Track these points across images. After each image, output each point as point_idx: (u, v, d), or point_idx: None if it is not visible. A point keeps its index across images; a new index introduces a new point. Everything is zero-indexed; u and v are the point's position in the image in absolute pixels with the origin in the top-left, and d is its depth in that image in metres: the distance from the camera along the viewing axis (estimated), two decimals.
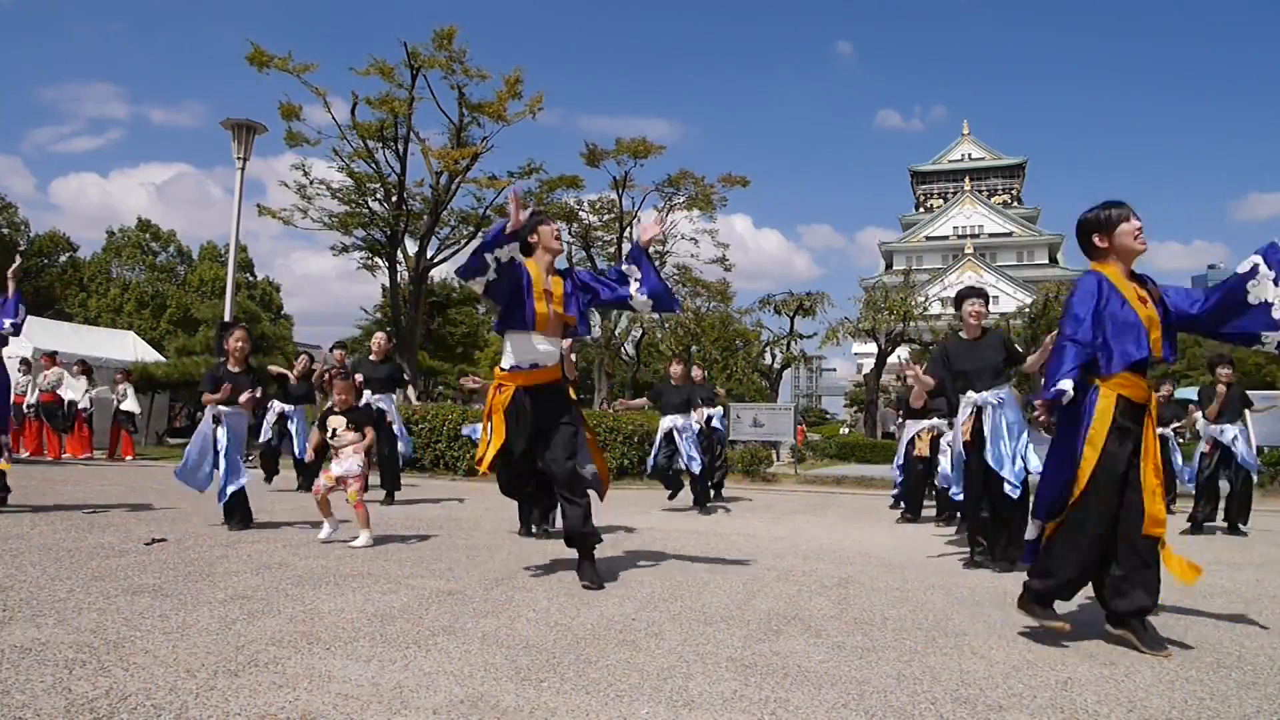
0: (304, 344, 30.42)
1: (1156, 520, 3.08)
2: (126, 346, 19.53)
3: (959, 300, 5.33)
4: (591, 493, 4.19)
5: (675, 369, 8.62)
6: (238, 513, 5.51)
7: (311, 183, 21.71)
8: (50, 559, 4.08)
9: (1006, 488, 4.76)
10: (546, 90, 28.51)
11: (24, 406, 12.43)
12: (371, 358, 8.29)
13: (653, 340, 31.76)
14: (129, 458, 13.48)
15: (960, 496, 5.38)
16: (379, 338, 8.52)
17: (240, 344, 5.73)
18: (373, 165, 21.27)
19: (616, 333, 28.44)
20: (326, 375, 6.18)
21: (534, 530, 5.83)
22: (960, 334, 5.30)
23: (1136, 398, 3.15)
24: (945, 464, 6.10)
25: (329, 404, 5.33)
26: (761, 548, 5.61)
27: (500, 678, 2.48)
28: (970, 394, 5.07)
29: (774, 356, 31.62)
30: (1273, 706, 2.48)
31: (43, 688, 2.22)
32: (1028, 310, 29.63)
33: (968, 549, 5.22)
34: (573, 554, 4.19)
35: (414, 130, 21.19)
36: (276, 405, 9.13)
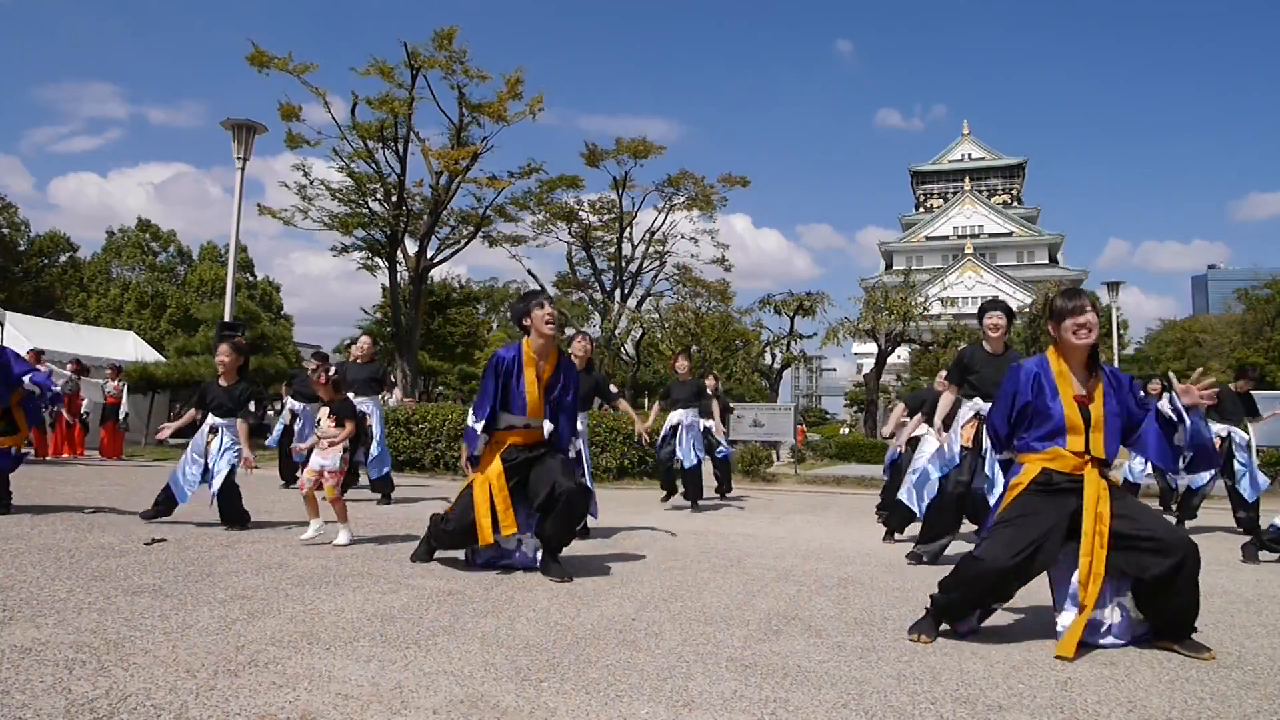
0: (304, 344, 30.42)
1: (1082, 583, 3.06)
2: (126, 346, 19.54)
3: (981, 312, 5.37)
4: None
5: (681, 364, 8.84)
6: (227, 515, 5.56)
7: (311, 183, 21.72)
8: (50, 559, 4.08)
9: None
10: (546, 90, 28.56)
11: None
12: (357, 360, 8.46)
13: (653, 340, 31.75)
14: (117, 458, 13.44)
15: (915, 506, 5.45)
16: (364, 341, 8.65)
17: (224, 358, 5.72)
18: (373, 165, 21.27)
19: (616, 333, 28.43)
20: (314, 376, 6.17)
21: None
22: (984, 345, 5.31)
23: (1063, 468, 3.15)
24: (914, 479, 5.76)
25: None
26: (761, 548, 5.61)
27: (500, 678, 2.48)
28: (977, 400, 5.11)
29: (774, 356, 31.61)
30: (1273, 706, 2.48)
31: (43, 688, 2.22)
32: (1028, 310, 29.64)
33: (929, 542, 5.27)
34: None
35: (414, 130, 21.20)
36: (291, 404, 9.03)
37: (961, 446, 5.12)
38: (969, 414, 5.14)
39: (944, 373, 6.51)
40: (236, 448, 5.56)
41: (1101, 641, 3.13)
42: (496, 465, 4.22)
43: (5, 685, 2.23)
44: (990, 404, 5.07)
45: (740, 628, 3.21)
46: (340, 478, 5.09)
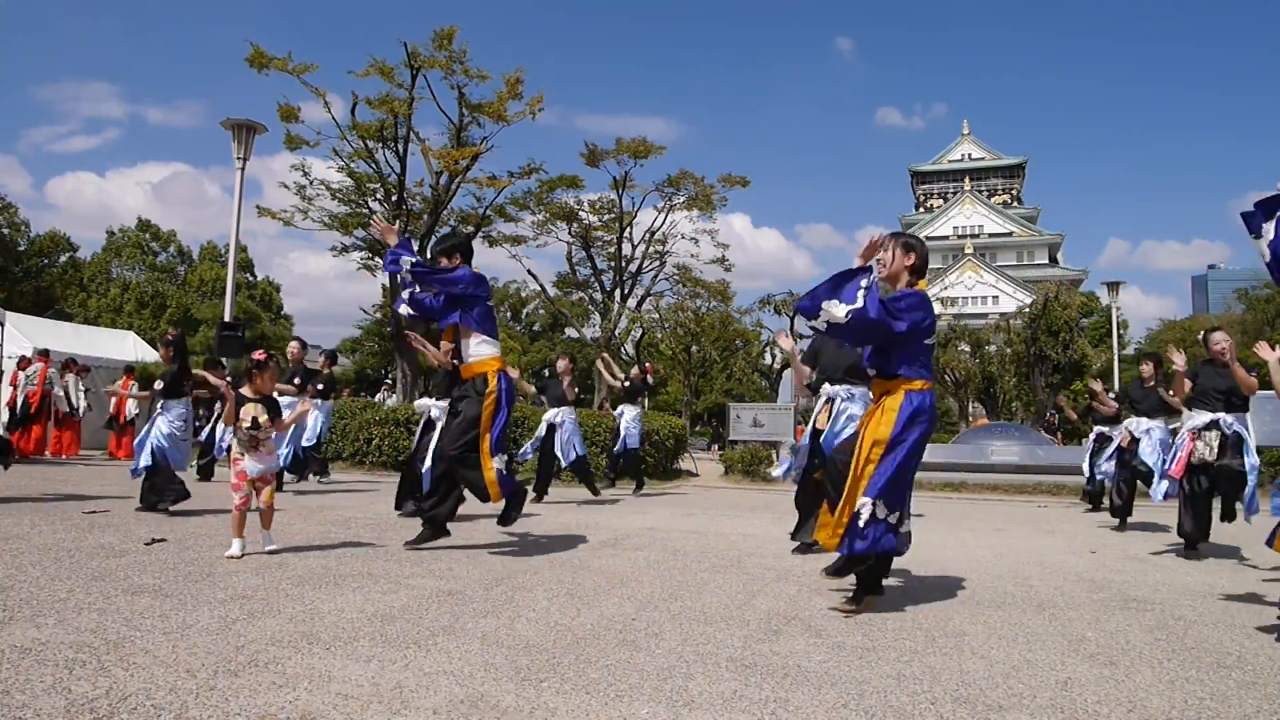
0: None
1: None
2: (126, 346, 19.53)
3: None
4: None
5: (562, 364, 9.10)
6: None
7: (311, 183, 21.70)
8: (50, 559, 4.08)
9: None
10: (546, 89, 28.53)
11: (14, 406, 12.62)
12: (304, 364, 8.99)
13: (653, 340, 31.73)
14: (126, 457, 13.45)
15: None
16: (293, 346, 9.06)
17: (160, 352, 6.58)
18: (373, 165, 21.24)
19: (616, 333, 28.41)
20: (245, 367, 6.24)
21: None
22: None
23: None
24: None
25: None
26: (761, 548, 5.61)
27: (500, 678, 2.48)
28: (826, 387, 5.46)
29: (774, 356, 31.64)
30: (1273, 706, 2.49)
31: (43, 688, 2.22)
32: (1028, 310, 29.62)
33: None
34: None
35: (414, 130, 21.17)
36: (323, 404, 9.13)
37: (815, 429, 5.40)
38: (821, 400, 5.47)
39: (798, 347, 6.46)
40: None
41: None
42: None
43: (5, 685, 2.23)
44: (838, 387, 5.34)
45: (740, 628, 3.21)
46: (277, 481, 4.95)
